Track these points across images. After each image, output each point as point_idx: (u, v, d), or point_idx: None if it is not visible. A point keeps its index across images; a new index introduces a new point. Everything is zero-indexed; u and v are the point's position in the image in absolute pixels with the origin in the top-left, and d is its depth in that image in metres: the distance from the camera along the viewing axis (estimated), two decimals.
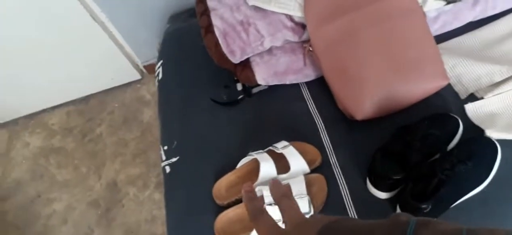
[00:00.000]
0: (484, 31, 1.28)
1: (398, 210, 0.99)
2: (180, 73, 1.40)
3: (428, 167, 0.99)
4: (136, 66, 2.12)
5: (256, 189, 1.01)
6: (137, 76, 2.18)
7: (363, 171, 1.07)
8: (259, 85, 1.26)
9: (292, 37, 1.21)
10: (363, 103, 1.12)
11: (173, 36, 1.57)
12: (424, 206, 0.93)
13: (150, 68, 2.17)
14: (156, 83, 1.45)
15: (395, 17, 1.15)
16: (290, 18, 1.20)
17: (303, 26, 1.21)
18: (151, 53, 2.07)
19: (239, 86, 1.29)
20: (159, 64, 1.48)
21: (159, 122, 1.34)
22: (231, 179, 1.09)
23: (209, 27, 1.24)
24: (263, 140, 1.13)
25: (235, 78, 1.29)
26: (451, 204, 0.97)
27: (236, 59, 1.21)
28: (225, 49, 1.20)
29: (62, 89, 2.19)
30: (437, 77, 1.14)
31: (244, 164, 1.10)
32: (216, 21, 1.22)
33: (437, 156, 1.04)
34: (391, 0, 1.15)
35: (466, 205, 0.99)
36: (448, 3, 1.26)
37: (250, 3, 1.19)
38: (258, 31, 1.19)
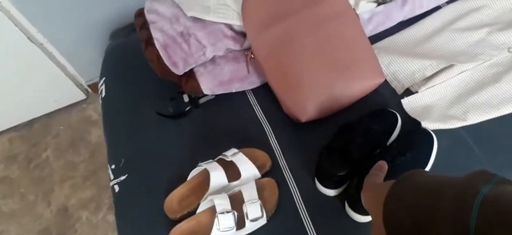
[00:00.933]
0: (413, 29, 1.34)
1: (346, 205, 1.01)
2: (124, 89, 1.37)
3: (370, 161, 1.01)
4: (80, 86, 2.05)
5: (208, 199, 0.99)
6: (81, 96, 2.10)
7: (311, 171, 1.08)
8: (205, 95, 1.25)
9: (233, 45, 1.21)
10: (306, 105, 1.13)
11: (114, 52, 1.53)
12: None
13: (95, 87, 2.10)
14: (100, 102, 1.40)
15: (330, 21, 1.17)
16: (230, 27, 1.20)
17: (243, 35, 1.21)
18: (95, 72, 1.99)
19: (186, 98, 1.28)
20: (101, 81, 1.44)
21: (106, 141, 1.30)
22: (182, 192, 1.07)
23: (150, 40, 1.22)
24: (213, 150, 1.12)
25: (181, 90, 1.28)
26: None
27: (179, 70, 1.19)
28: (167, 61, 1.18)
29: (3, 115, 2.09)
30: (374, 75, 1.17)
31: (194, 176, 1.08)
32: (156, 34, 1.20)
33: (378, 150, 1.07)
34: (325, 5, 1.18)
35: None
36: (379, 4, 1.30)
37: (189, 15, 1.18)
38: (199, 42, 1.18)
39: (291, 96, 1.15)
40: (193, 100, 1.27)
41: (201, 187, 1.06)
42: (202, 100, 1.27)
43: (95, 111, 2.12)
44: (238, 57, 1.23)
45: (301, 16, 1.17)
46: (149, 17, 1.25)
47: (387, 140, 1.09)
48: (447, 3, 1.37)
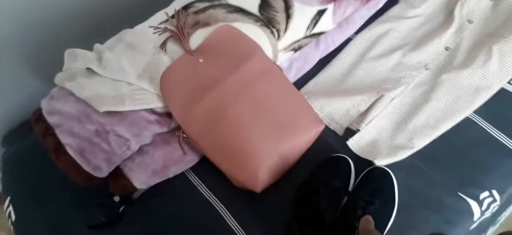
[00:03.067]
0: (333, 66, 1.26)
1: None
2: (37, 207, 1.09)
3: (343, 222, 0.89)
4: None
5: None
6: None
7: None
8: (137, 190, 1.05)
9: (160, 129, 1.02)
10: (258, 175, 0.99)
11: (14, 162, 1.24)
12: None
13: None
14: (10, 227, 1.11)
15: (256, 81, 1.05)
16: (152, 111, 1.02)
17: (168, 114, 1.03)
18: None
19: (117, 198, 1.05)
20: (7, 202, 1.14)
21: None
22: None
23: (59, 148, 0.97)
24: None
25: (109, 191, 1.05)
26: None
27: (103, 173, 0.97)
28: (87, 168, 0.95)
29: None
30: (314, 125, 1.07)
31: None
32: (66, 139, 0.96)
33: (342, 202, 0.96)
34: (247, 67, 1.06)
35: None
36: (296, 51, 1.21)
37: (101, 110, 0.96)
38: (120, 136, 0.97)
39: (240, 169, 0.99)
40: (125, 198, 1.05)
41: None
42: (135, 195, 1.06)
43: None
44: (167, 139, 1.05)
45: (226, 84, 1.03)
46: (51, 120, 1.00)
47: (347, 188, 0.99)
48: (356, 33, 1.32)
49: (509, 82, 1.15)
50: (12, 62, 1.39)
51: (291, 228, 0.89)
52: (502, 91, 1.13)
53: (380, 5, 1.35)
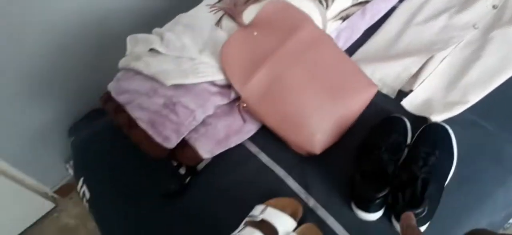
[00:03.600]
0: (380, 34, 1.28)
1: (394, 220, 0.90)
2: (110, 183, 1.16)
3: (406, 172, 0.91)
4: (45, 195, 1.76)
5: None
6: (50, 205, 1.80)
7: (344, 201, 0.96)
8: (201, 161, 1.09)
9: (221, 101, 1.07)
10: (315, 138, 1.02)
11: (83, 147, 1.31)
12: (420, 210, 0.84)
13: (63, 191, 1.82)
14: (86, 205, 1.18)
15: (309, 49, 1.09)
16: (213, 83, 1.07)
17: (228, 86, 1.08)
18: (58, 176, 1.76)
19: (183, 170, 1.11)
20: (80, 183, 1.22)
21: None
22: None
23: (131, 123, 1.04)
24: (234, 216, 0.95)
25: (176, 164, 1.11)
26: (439, 199, 0.90)
27: (172, 144, 1.03)
28: (158, 138, 1.01)
29: None
30: (366, 86, 1.09)
31: None
32: (137, 114, 1.03)
33: (402, 155, 0.98)
34: (299, 35, 1.09)
35: (449, 189, 0.93)
36: (344, 20, 1.24)
37: (168, 84, 1.03)
38: (186, 107, 1.03)
39: (298, 134, 1.03)
40: (191, 169, 1.10)
41: None
42: (200, 166, 1.11)
43: (70, 217, 1.81)
44: (227, 111, 1.10)
45: (281, 52, 1.07)
46: (120, 98, 1.08)
47: (406, 143, 1.00)
48: (400, 2, 1.34)
49: None
50: (73, 64, 1.49)
51: (354, 180, 0.92)
52: None
53: None
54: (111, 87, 1.12)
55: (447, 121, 1.03)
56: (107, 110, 1.10)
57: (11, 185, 1.60)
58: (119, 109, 1.06)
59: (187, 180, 1.09)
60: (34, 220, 1.78)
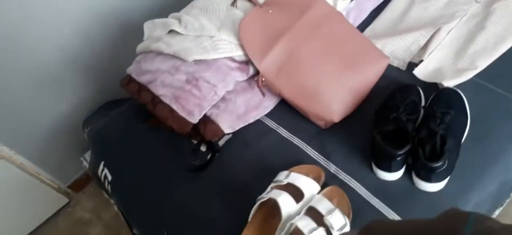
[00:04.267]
0: (387, 13, 1.32)
1: (415, 177, 0.93)
2: (132, 162, 1.17)
3: (425, 130, 0.94)
4: (59, 189, 1.77)
5: (286, 228, 0.85)
6: (64, 200, 1.80)
7: (365, 165, 0.99)
8: (224, 136, 1.12)
9: (240, 76, 1.10)
10: (333, 107, 1.06)
11: (101, 134, 1.33)
12: (440, 163, 0.87)
13: (77, 186, 1.82)
14: (108, 187, 1.19)
15: (322, 24, 1.13)
16: (232, 59, 1.10)
17: (246, 63, 1.11)
18: (72, 170, 1.76)
19: (204, 147, 1.13)
20: (101, 167, 1.23)
21: (132, 225, 1.10)
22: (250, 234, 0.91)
23: (154, 99, 1.07)
24: (258, 184, 0.97)
25: (196, 142, 1.13)
26: (458, 153, 0.94)
27: (195, 118, 1.05)
28: (182, 112, 1.04)
29: None
30: (379, 58, 1.13)
31: (256, 213, 0.92)
32: (160, 90, 1.06)
33: (419, 117, 1.01)
34: (312, 11, 1.13)
35: (465, 147, 0.96)
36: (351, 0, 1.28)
37: (190, 60, 1.06)
38: (208, 82, 1.06)
39: (316, 104, 1.06)
40: (212, 146, 1.12)
41: (268, 223, 0.91)
42: (221, 142, 1.13)
43: (85, 211, 1.81)
44: (246, 87, 1.13)
45: (296, 28, 1.11)
46: (142, 78, 1.10)
47: (421, 106, 1.03)
48: None
49: None
50: (85, 57, 1.51)
51: (375, 141, 0.94)
52: None
53: None
54: (132, 69, 1.14)
55: (458, 86, 1.07)
56: (129, 91, 1.12)
57: (27, 179, 1.61)
58: (142, 88, 1.09)
59: (209, 156, 1.11)
60: (50, 214, 1.78)
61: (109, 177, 1.20)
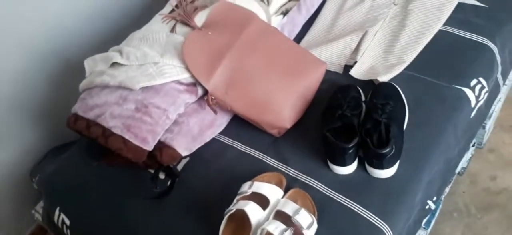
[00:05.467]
0: (318, 24, 1.38)
1: (368, 167, 0.97)
2: (89, 203, 1.11)
3: (369, 121, 0.99)
4: None
5: (259, 231, 0.84)
6: None
7: (321, 164, 1.02)
8: (182, 159, 1.09)
9: (190, 98, 1.09)
10: (284, 114, 1.09)
11: (53, 180, 1.22)
12: (388, 149, 0.92)
13: None
14: (67, 232, 1.11)
15: (261, 38, 1.17)
16: (180, 82, 1.09)
17: (194, 84, 1.11)
18: (23, 226, 1.61)
19: (162, 175, 1.10)
20: (57, 213, 1.14)
21: None
22: None
23: (105, 133, 1.03)
24: (221, 203, 0.94)
25: (154, 170, 1.09)
26: (402, 139, 0.99)
27: (150, 145, 1.02)
28: (135, 141, 1.01)
29: None
30: (318, 63, 1.19)
31: (225, 227, 0.91)
32: (110, 122, 1.02)
33: (362, 111, 1.06)
34: (250, 28, 1.17)
35: (408, 133, 1.02)
36: (284, 15, 1.33)
37: (137, 87, 1.04)
38: (158, 107, 1.04)
39: (268, 114, 1.09)
40: (171, 171, 1.09)
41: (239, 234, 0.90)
42: (179, 166, 1.11)
43: None
44: (197, 108, 1.12)
45: (237, 45, 1.13)
46: (90, 114, 1.06)
47: (362, 101, 1.09)
48: None
49: None
50: (27, 106, 1.43)
51: (326, 139, 0.98)
52: (460, 4, 1.30)
53: None
54: (77, 107, 1.10)
55: (392, 80, 1.15)
56: (77, 130, 1.07)
57: None
58: (91, 123, 1.04)
59: (169, 183, 1.08)
60: None
61: (67, 221, 1.12)
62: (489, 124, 1.48)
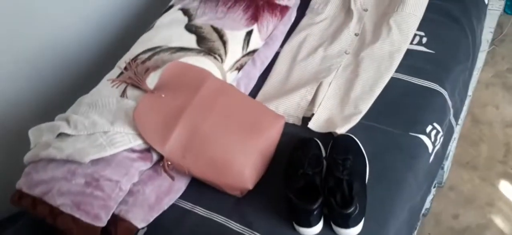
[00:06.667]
0: (273, 76, 1.37)
1: (334, 226, 0.94)
2: None
3: (331, 179, 0.97)
4: None
5: None
6: None
7: (286, 226, 0.98)
8: (139, 231, 1.02)
9: (144, 165, 1.04)
10: (245, 174, 1.05)
11: None
12: (352, 209, 0.90)
13: None
14: None
15: (216, 98, 1.13)
16: (132, 150, 1.03)
17: (148, 150, 1.05)
18: None
19: None
20: None
21: None
22: None
23: (53, 211, 0.95)
24: None
25: None
26: (365, 194, 0.98)
27: (103, 221, 0.95)
28: (86, 219, 0.93)
29: None
30: (276, 118, 1.17)
31: None
32: (58, 200, 0.94)
33: (323, 167, 1.04)
34: (204, 90, 1.14)
35: (370, 186, 1.01)
36: (239, 70, 1.31)
37: (87, 161, 0.97)
38: (110, 180, 0.97)
39: (228, 176, 1.04)
40: None
41: None
42: None
43: None
44: (152, 174, 1.06)
45: (193, 106, 1.10)
46: (36, 191, 0.97)
47: (323, 157, 1.07)
48: (281, 46, 1.45)
49: (411, 43, 1.35)
50: None
51: (290, 201, 0.94)
52: (409, 51, 1.33)
53: (292, 19, 1.51)
54: (22, 183, 1.01)
55: (349, 131, 1.14)
56: (23, 208, 0.98)
57: None
58: (37, 202, 0.96)
59: None
60: None
61: None
62: (447, 163, 1.51)
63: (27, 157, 1.06)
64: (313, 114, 1.21)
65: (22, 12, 1.32)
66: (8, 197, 1.05)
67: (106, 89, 1.14)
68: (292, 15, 1.51)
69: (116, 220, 0.98)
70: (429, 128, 1.15)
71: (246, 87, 1.33)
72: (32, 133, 1.09)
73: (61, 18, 1.44)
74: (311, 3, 1.55)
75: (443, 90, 1.23)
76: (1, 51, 1.29)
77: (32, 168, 1.03)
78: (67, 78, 1.50)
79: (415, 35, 1.37)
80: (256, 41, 1.33)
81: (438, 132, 1.17)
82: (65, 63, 1.48)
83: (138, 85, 1.12)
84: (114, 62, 1.25)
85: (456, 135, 1.46)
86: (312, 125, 1.19)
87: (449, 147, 1.37)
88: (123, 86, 1.14)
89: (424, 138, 1.13)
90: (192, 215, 1.06)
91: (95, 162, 0.98)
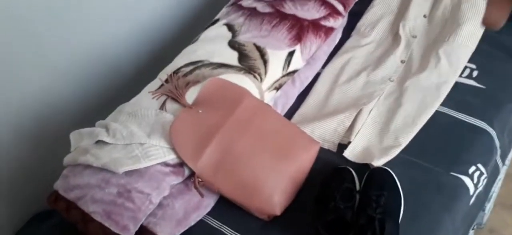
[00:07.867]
0: (311, 98, 1.33)
1: None
2: None
3: (363, 216, 0.93)
4: None
5: None
6: None
7: None
8: None
9: (175, 179, 1.04)
10: (274, 199, 1.03)
11: None
12: None
13: None
14: None
15: (252, 119, 1.12)
16: (165, 164, 1.04)
17: (181, 165, 1.05)
18: None
19: None
20: None
21: None
22: None
23: (85, 218, 0.97)
24: None
25: None
26: (398, 234, 0.93)
27: (131, 233, 0.96)
28: (116, 229, 0.94)
29: None
30: (311, 143, 1.14)
31: None
32: (91, 207, 0.96)
33: (356, 201, 1.00)
34: (242, 106, 1.12)
35: (403, 226, 0.96)
36: (278, 89, 1.29)
37: (120, 171, 0.98)
38: (142, 192, 0.98)
39: (257, 199, 1.03)
40: None
41: None
42: None
43: None
44: (182, 189, 1.06)
45: (228, 125, 1.09)
46: (71, 195, 1.00)
47: (356, 191, 1.03)
48: (323, 67, 1.42)
49: (460, 76, 1.28)
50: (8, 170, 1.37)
51: (318, 232, 0.91)
52: (457, 84, 1.26)
53: (337, 40, 1.47)
54: (59, 185, 1.04)
55: (387, 164, 1.09)
56: (57, 210, 1.01)
57: None
58: (71, 206, 0.99)
59: None
60: None
61: None
62: (489, 204, 1.42)
63: (67, 159, 1.09)
64: (349, 142, 1.17)
65: (78, 17, 1.36)
66: (45, 193, 1.09)
67: (146, 100, 1.16)
68: (337, 35, 1.48)
69: (143, 231, 0.99)
70: (472, 169, 1.08)
71: (284, 107, 1.31)
72: (73, 136, 1.12)
73: (114, 27, 1.48)
74: (358, 24, 1.51)
75: (491, 129, 1.15)
76: (56, 53, 1.35)
77: (70, 171, 1.06)
78: (112, 86, 1.54)
79: (466, 67, 1.30)
80: (297, 62, 1.31)
81: (481, 173, 1.09)
82: (112, 71, 1.52)
83: (177, 99, 1.13)
84: (157, 72, 1.27)
85: (501, 175, 1.37)
86: (348, 153, 1.15)
87: (493, 188, 1.28)
88: (163, 98, 1.15)
89: (466, 179, 1.06)
90: (219, 234, 1.05)
91: (128, 173, 1.00)
